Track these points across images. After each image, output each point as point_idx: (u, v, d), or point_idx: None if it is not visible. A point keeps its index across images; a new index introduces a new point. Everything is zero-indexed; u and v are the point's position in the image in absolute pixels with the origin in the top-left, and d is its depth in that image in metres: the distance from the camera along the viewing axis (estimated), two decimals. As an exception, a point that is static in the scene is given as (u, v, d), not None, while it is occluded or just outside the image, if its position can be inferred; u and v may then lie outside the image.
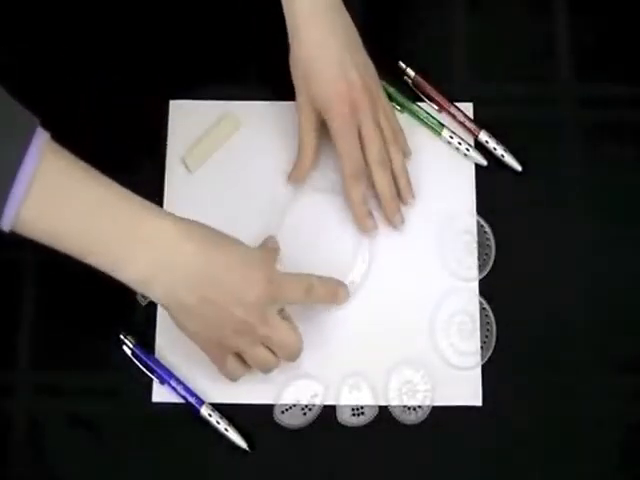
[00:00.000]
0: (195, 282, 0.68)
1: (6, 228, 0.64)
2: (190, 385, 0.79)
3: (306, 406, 0.79)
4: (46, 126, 0.64)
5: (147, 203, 0.68)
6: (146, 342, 0.81)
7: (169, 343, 0.81)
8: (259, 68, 0.86)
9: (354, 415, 0.79)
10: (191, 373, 0.80)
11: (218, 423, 0.78)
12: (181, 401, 0.79)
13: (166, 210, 0.70)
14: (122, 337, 0.80)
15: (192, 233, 0.69)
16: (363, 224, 0.82)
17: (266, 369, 0.75)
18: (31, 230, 0.65)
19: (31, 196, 0.62)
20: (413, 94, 0.87)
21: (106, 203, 0.66)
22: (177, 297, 0.69)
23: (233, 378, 0.76)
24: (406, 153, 0.83)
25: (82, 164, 0.66)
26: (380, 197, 0.81)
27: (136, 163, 0.83)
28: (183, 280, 0.68)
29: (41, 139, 0.63)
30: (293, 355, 0.75)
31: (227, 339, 0.72)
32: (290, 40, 0.78)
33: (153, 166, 0.85)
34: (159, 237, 0.67)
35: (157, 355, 0.80)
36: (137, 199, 0.68)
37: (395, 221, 0.82)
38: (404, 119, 0.85)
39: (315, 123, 0.80)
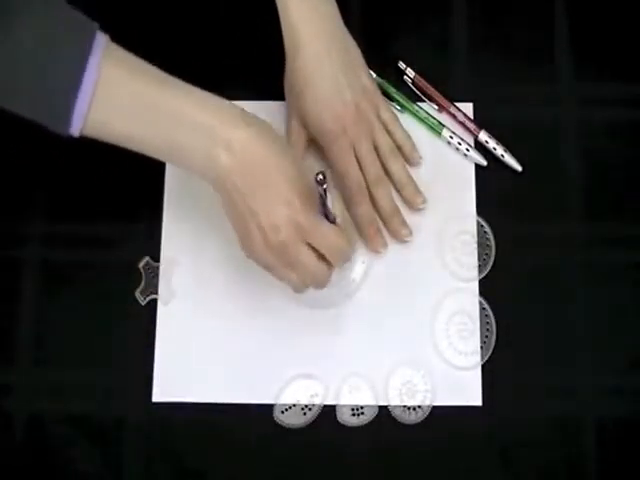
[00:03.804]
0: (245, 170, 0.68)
1: (75, 133, 0.66)
2: (190, 384, 0.79)
3: (306, 406, 0.79)
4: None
5: (207, 94, 0.68)
6: (146, 342, 0.81)
7: (169, 342, 0.81)
8: (259, 68, 0.86)
9: (354, 415, 0.79)
10: (191, 372, 0.80)
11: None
12: (181, 401, 0.79)
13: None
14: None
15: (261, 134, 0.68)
16: (372, 243, 0.82)
17: (316, 276, 0.72)
18: (99, 132, 0.67)
19: (97, 98, 0.64)
20: (413, 94, 0.87)
21: (166, 102, 0.67)
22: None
23: (296, 289, 0.74)
24: (412, 162, 0.84)
25: (142, 63, 0.68)
26: (380, 215, 0.82)
27: (136, 163, 0.83)
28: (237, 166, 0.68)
29: (101, 42, 0.65)
30: (343, 254, 0.72)
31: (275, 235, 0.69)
32: (287, 58, 0.78)
33: (153, 166, 0.85)
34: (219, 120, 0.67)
35: (158, 353, 0.80)
36: (196, 91, 0.68)
37: (401, 236, 0.82)
38: (404, 119, 0.85)
39: (304, 140, 0.81)
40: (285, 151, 0.70)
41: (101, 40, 0.65)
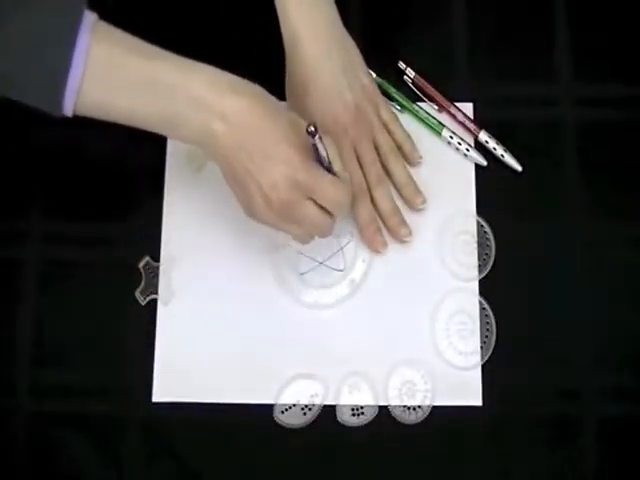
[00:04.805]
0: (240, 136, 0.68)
1: (68, 112, 0.66)
2: (190, 384, 0.79)
3: (306, 406, 0.79)
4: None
5: (198, 65, 0.69)
6: (146, 342, 0.81)
7: (169, 342, 0.81)
8: (259, 68, 0.86)
9: (354, 415, 0.79)
10: (191, 372, 0.80)
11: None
12: (181, 401, 0.79)
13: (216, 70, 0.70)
14: None
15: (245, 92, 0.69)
16: (373, 243, 0.82)
17: (321, 227, 0.73)
18: (91, 109, 0.67)
19: (87, 75, 0.65)
20: (413, 94, 0.87)
21: (157, 75, 0.67)
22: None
23: (302, 241, 0.76)
24: (412, 161, 0.84)
25: (131, 38, 0.68)
26: (380, 214, 0.82)
27: (136, 164, 0.83)
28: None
29: (89, 19, 0.65)
30: (343, 205, 0.73)
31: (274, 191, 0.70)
32: (286, 60, 0.78)
33: (153, 167, 0.85)
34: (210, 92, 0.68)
35: (158, 353, 0.80)
36: (186, 63, 0.69)
37: (400, 236, 0.82)
38: (404, 119, 0.85)
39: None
40: (280, 113, 0.70)
41: (89, 18, 0.65)
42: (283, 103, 0.82)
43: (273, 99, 0.71)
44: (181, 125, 0.68)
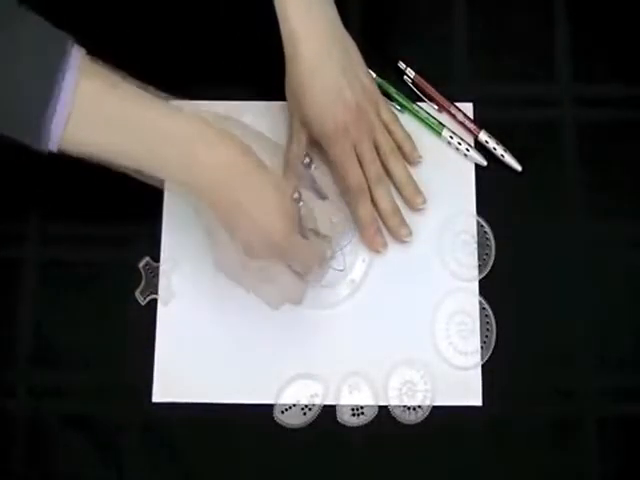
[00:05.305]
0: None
1: (54, 148, 0.66)
2: (190, 384, 0.80)
3: (306, 406, 0.79)
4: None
5: (182, 111, 0.69)
6: (146, 342, 0.81)
7: (169, 342, 0.81)
8: (259, 68, 0.86)
9: (354, 415, 0.79)
10: (191, 372, 0.80)
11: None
12: (181, 401, 0.79)
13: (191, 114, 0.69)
14: None
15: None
16: (373, 243, 0.82)
17: (293, 293, 0.76)
18: (76, 146, 0.67)
19: (74, 114, 0.64)
20: (413, 94, 0.87)
21: (144, 116, 0.67)
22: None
23: (272, 306, 0.77)
24: (412, 161, 0.84)
25: (117, 78, 0.67)
26: (380, 214, 0.82)
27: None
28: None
29: (76, 58, 0.64)
30: (312, 266, 0.75)
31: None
32: (286, 60, 0.78)
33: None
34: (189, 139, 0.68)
35: (158, 353, 0.80)
36: (163, 106, 0.68)
37: (400, 236, 0.82)
38: (404, 119, 0.85)
39: (306, 141, 0.81)
40: (265, 167, 0.71)
41: (77, 55, 0.65)
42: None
43: (256, 154, 0.71)
44: (168, 167, 0.68)
